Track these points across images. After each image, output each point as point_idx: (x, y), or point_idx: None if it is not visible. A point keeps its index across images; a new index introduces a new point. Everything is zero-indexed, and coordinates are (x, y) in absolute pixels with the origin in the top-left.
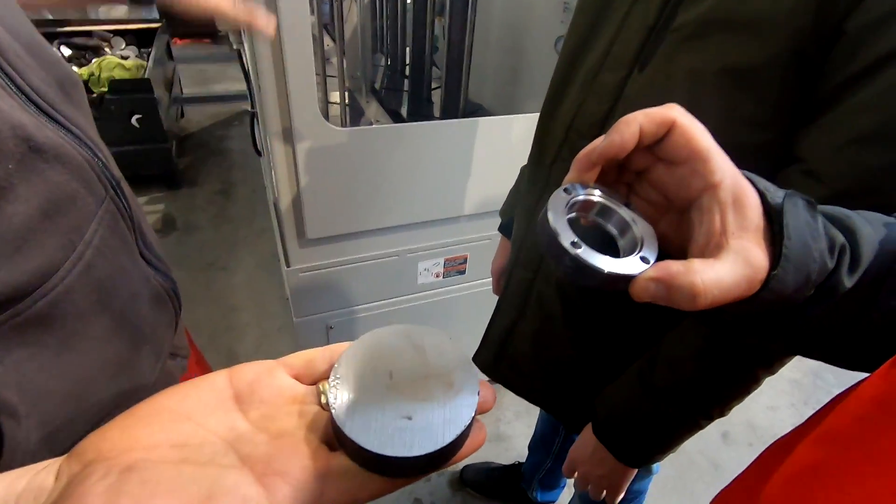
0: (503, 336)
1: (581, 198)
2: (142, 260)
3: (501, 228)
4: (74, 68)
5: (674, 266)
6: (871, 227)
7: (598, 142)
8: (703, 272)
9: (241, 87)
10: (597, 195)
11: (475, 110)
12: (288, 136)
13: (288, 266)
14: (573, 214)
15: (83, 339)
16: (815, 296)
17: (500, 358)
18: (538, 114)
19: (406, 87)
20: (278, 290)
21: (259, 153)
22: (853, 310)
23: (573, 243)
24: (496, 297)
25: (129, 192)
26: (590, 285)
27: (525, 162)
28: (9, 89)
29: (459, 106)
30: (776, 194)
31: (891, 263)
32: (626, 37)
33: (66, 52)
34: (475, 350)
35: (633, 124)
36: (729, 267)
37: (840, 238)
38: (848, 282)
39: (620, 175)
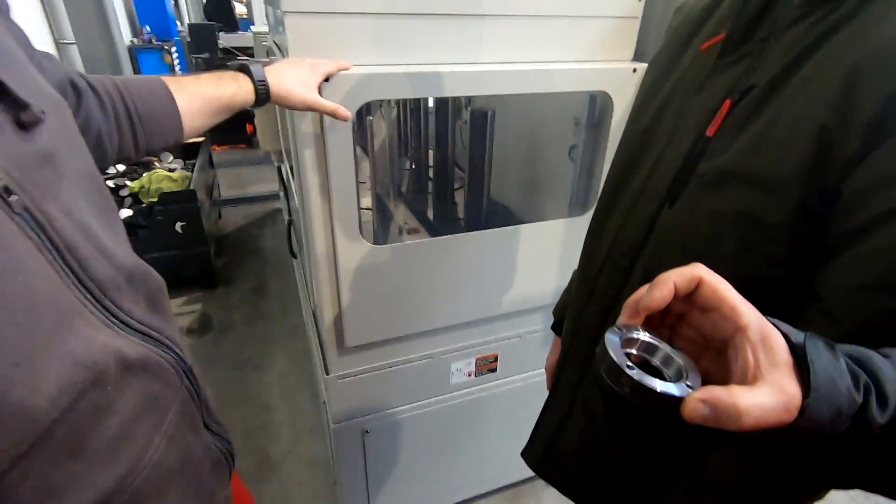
0: (551, 434)
1: (630, 336)
2: (205, 430)
3: (554, 327)
4: (127, 182)
5: (717, 389)
6: (891, 365)
7: (642, 292)
8: (745, 395)
9: (274, 187)
10: (643, 335)
11: (497, 210)
12: (330, 255)
13: (327, 374)
14: (624, 350)
15: None
16: (852, 430)
17: (548, 455)
18: (559, 220)
19: (430, 190)
20: (309, 388)
21: (294, 256)
22: (892, 445)
23: (629, 366)
24: (528, 395)
25: (198, 372)
26: (645, 405)
27: (555, 262)
28: (109, 321)
29: (483, 208)
30: (798, 336)
31: None
32: (658, 174)
33: (121, 167)
34: (523, 446)
35: (669, 282)
36: (766, 392)
37: (864, 376)
38: (880, 417)
39: (663, 318)
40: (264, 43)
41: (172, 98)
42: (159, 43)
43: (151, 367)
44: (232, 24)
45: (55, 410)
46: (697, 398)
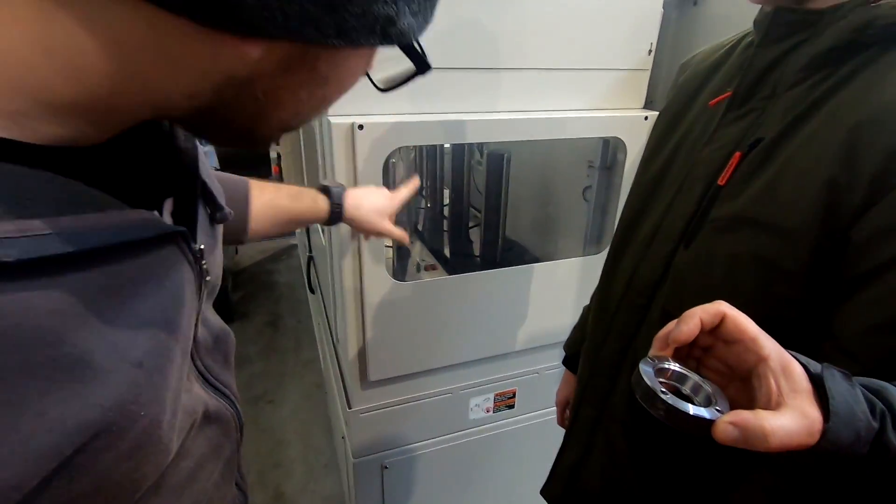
0: (571, 471)
1: (661, 366)
2: (235, 486)
3: (565, 362)
4: None
5: (745, 413)
6: None
7: (671, 327)
8: (771, 418)
9: None
10: (674, 366)
11: (512, 248)
12: (357, 290)
13: (350, 408)
14: (657, 379)
15: None
16: (871, 454)
17: (569, 493)
18: (574, 259)
19: (446, 228)
20: (323, 422)
21: (312, 291)
22: None
23: (663, 392)
24: (545, 431)
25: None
26: (679, 427)
27: (571, 299)
28: (198, 377)
29: (498, 246)
30: (815, 366)
31: None
32: (671, 218)
33: None
34: (540, 483)
35: (696, 317)
36: (790, 416)
37: (879, 404)
38: None
39: (690, 351)
40: None
41: (248, 206)
42: None
43: (220, 420)
44: None
45: (175, 449)
46: (727, 421)
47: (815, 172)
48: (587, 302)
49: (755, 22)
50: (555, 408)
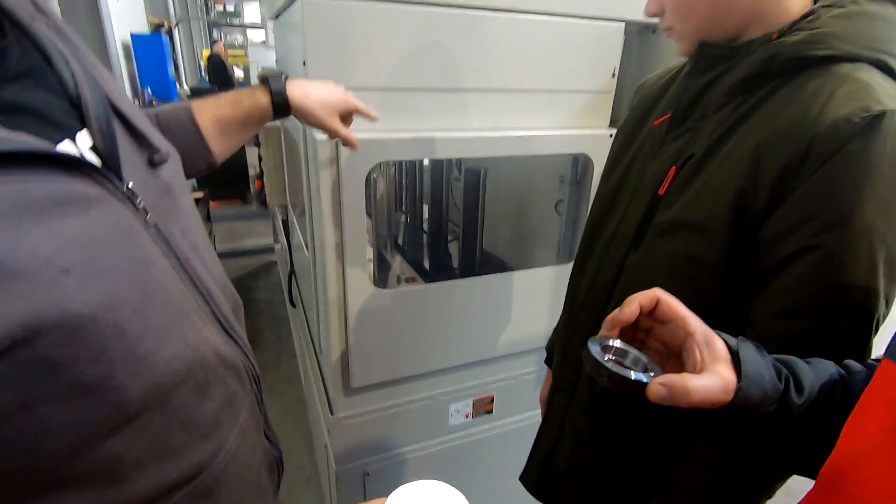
0: (545, 456)
1: (607, 344)
2: (264, 436)
3: (547, 361)
4: None
5: (672, 375)
6: (808, 366)
7: (617, 312)
8: (693, 379)
9: (268, 241)
10: (617, 343)
11: (489, 260)
12: (340, 299)
13: (332, 414)
14: (603, 354)
15: None
16: (778, 411)
17: (544, 477)
18: (548, 267)
19: (425, 242)
20: (303, 438)
21: (294, 305)
22: (810, 425)
23: (607, 360)
24: (523, 436)
25: (261, 382)
26: (620, 391)
27: (545, 306)
28: (213, 321)
29: (476, 259)
30: (732, 340)
31: (828, 389)
32: (625, 224)
33: None
34: (521, 471)
35: (635, 302)
36: (709, 378)
37: (784, 370)
38: (797, 399)
39: (635, 333)
40: None
41: (198, 129)
42: (159, 104)
43: (235, 368)
44: (230, 86)
45: (171, 376)
46: (658, 382)
47: (729, 182)
48: (560, 310)
49: (689, 54)
50: (532, 412)
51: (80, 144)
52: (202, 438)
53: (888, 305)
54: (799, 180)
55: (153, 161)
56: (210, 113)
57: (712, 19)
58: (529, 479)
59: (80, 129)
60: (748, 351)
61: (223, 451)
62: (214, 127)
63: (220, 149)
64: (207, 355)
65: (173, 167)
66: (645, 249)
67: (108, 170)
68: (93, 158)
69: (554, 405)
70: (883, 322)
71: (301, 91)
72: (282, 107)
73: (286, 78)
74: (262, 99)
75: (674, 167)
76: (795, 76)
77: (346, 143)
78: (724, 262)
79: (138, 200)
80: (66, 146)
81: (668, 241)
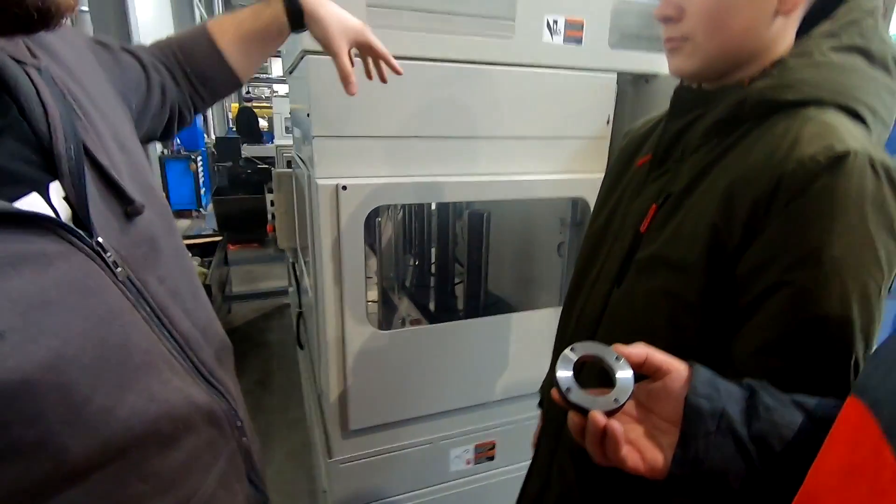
0: (534, 501)
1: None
2: (247, 481)
3: (540, 404)
4: None
5: (616, 427)
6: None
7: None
8: (629, 451)
9: (282, 283)
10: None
11: (495, 302)
12: (339, 339)
13: (330, 458)
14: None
15: None
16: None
17: None
18: (550, 309)
19: (432, 284)
20: (306, 484)
21: (301, 346)
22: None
23: (567, 389)
24: None
25: (248, 427)
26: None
27: (548, 349)
28: (188, 369)
29: (480, 300)
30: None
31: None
32: (610, 262)
33: None
34: None
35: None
36: (636, 457)
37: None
38: (741, 427)
39: None
40: (286, 154)
41: (220, 52)
42: (187, 153)
43: (212, 415)
44: (256, 136)
45: (128, 433)
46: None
47: (704, 220)
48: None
49: (689, 75)
50: None
51: (53, 196)
52: (166, 489)
53: (867, 343)
54: (770, 217)
55: (128, 213)
56: (231, 33)
57: (735, 42)
58: None
59: (53, 181)
60: (700, 377)
61: (192, 501)
62: (235, 46)
63: (242, 67)
64: (177, 406)
65: (156, 213)
66: (626, 286)
67: (78, 223)
68: (64, 211)
69: (542, 448)
70: (863, 361)
71: (317, 1)
72: (296, 15)
73: None
74: (278, 8)
75: (654, 205)
76: (766, 119)
77: (344, 78)
78: (702, 299)
79: (108, 255)
80: (30, 200)
81: (647, 277)
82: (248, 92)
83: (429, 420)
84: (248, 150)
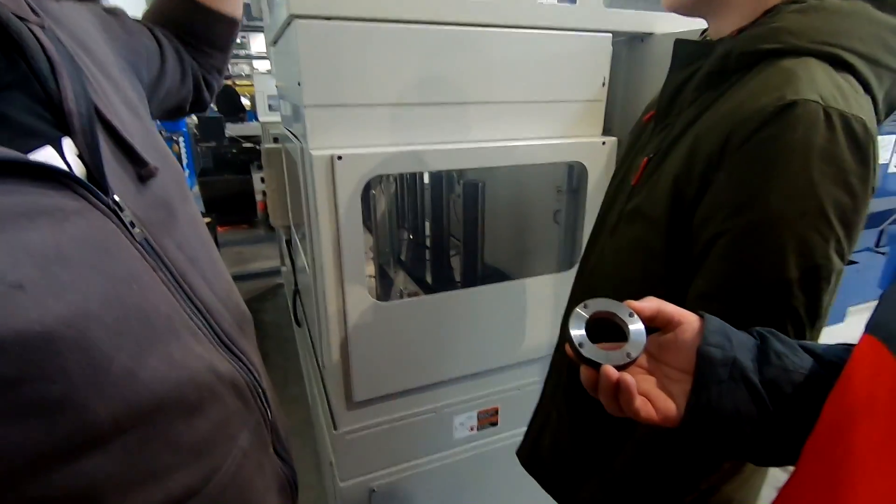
0: (536, 435)
1: (598, 309)
2: (274, 454)
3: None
4: None
5: (629, 380)
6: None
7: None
8: (643, 403)
9: (274, 263)
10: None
11: (491, 273)
12: (341, 313)
13: (335, 430)
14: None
15: None
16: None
17: (533, 454)
18: (548, 276)
19: (428, 257)
20: (312, 459)
21: (299, 324)
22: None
23: (580, 344)
24: None
25: (272, 399)
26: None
27: (547, 315)
28: (210, 337)
29: (478, 271)
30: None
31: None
32: (611, 216)
33: None
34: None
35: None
36: (650, 409)
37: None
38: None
39: None
40: (273, 131)
41: (195, 2)
42: (168, 134)
43: (235, 384)
44: (239, 113)
45: (152, 397)
46: (607, 373)
47: (671, 172)
48: (561, 318)
49: (678, 7)
50: None
51: (67, 152)
52: (193, 460)
53: (809, 297)
54: (720, 169)
55: (142, 176)
56: None
57: None
58: (522, 454)
59: (65, 137)
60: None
61: (219, 473)
62: None
63: (226, 6)
64: (200, 374)
65: (170, 179)
66: (615, 237)
67: (93, 181)
68: (78, 168)
69: (546, 389)
70: (809, 317)
71: None
72: None
73: None
74: None
75: (645, 159)
76: (750, 71)
77: None
78: (667, 250)
79: (124, 214)
80: (45, 154)
81: (630, 228)
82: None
83: (432, 389)
84: (232, 129)
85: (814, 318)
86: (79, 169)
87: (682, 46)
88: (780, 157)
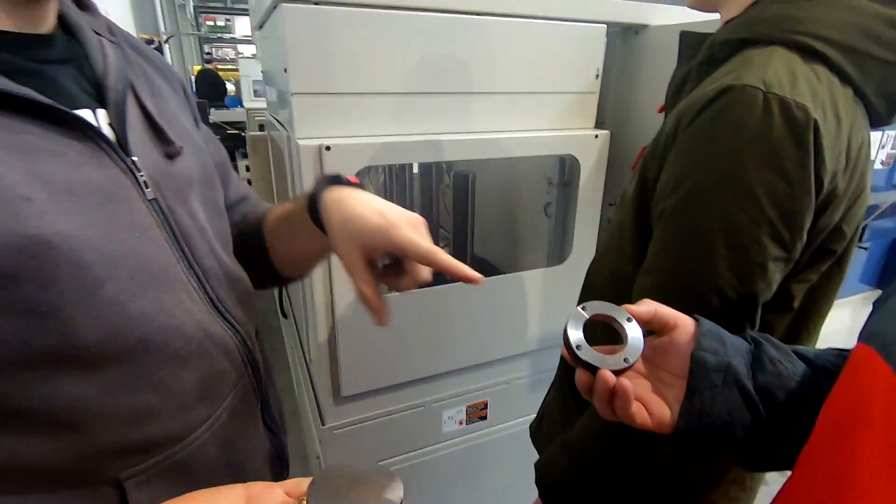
0: (547, 407)
1: (596, 312)
2: (262, 424)
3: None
4: None
5: (626, 385)
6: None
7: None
8: (638, 409)
9: None
10: (610, 309)
11: (480, 265)
12: (328, 306)
13: (323, 425)
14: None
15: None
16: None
17: (538, 426)
18: (538, 270)
19: None
20: (298, 450)
21: (285, 316)
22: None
23: (577, 346)
24: (519, 441)
25: (263, 369)
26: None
27: (536, 310)
28: (205, 300)
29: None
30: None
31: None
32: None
33: None
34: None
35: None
36: (644, 415)
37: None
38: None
39: None
40: (258, 118)
41: (266, 251)
42: None
43: (224, 346)
44: (222, 99)
45: (137, 331)
46: (604, 377)
47: (645, 157)
48: (551, 312)
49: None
50: (527, 417)
51: (100, 120)
52: (177, 408)
53: (739, 279)
54: (672, 150)
55: (169, 154)
56: (273, 221)
57: None
58: (531, 427)
59: (99, 108)
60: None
61: (202, 427)
62: (272, 234)
63: (279, 261)
64: (188, 327)
65: (198, 164)
66: (615, 218)
67: (118, 143)
68: (108, 134)
69: (561, 364)
70: (738, 294)
71: (338, 197)
72: (315, 213)
73: (346, 180)
74: (303, 200)
75: (643, 147)
76: (729, 61)
77: (367, 306)
78: (635, 228)
79: (140, 174)
80: (81, 112)
81: (618, 211)
82: (208, 53)
83: (420, 383)
84: (216, 115)
85: (748, 303)
86: (109, 134)
87: (685, 38)
88: (713, 138)
